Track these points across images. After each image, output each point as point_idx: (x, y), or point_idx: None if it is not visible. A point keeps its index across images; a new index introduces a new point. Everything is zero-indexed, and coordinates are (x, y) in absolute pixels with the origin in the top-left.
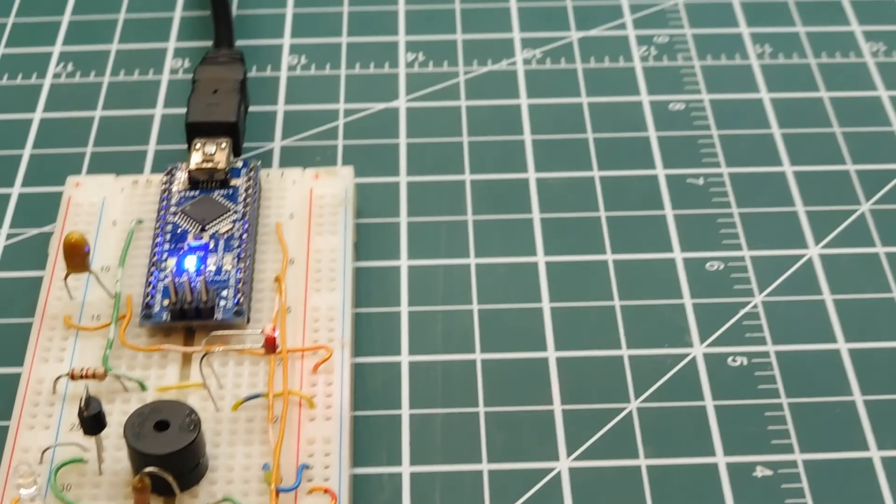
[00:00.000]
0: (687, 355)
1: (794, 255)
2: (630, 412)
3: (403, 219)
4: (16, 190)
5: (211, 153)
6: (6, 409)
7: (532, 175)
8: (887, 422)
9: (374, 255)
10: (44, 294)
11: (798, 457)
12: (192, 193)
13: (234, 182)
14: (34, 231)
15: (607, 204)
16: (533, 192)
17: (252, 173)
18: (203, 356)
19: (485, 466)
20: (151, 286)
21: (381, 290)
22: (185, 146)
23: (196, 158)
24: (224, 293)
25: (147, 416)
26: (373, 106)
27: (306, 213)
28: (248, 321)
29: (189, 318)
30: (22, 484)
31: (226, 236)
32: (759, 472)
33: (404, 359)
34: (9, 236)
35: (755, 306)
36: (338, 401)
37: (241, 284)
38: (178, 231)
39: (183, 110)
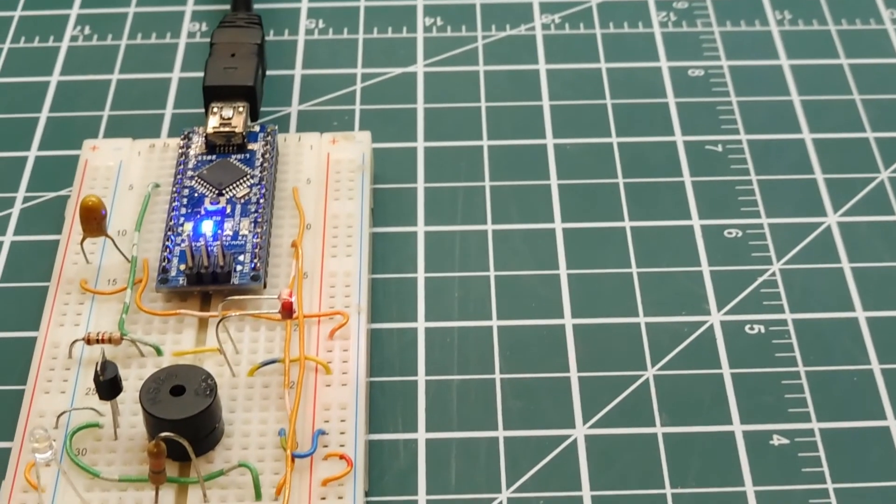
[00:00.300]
0: (704, 323)
1: (813, 223)
2: (647, 380)
3: (420, 184)
4: (32, 153)
5: (228, 117)
6: (22, 374)
7: (550, 141)
8: None
9: (390, 220)
10: (60, 258)
11: (815, 425)
12: (209, 157)
13: (251, 146)
14: (51, 195)
15: (625, 170)
16: (551, 158)
17: (269, 138)
18: (219, 321)
19: (501, 433)
20: (168, 250)
21: (397, 256)
22: (202, 110)
23: (213, 122)
24: (241, 258)
25: (163, 380)
26: (390, 71)
27: (323, 178)
28: (265, 286)
29: (205, 283)
30: (37, 448)
31: (243, 201)
32: (776, 440)
33: (420, 325)
34: (25, 200)
35: (773, 274)
36: (354, 367)
37: (257, 249)
38: (195, 195)
39: (200, 74)
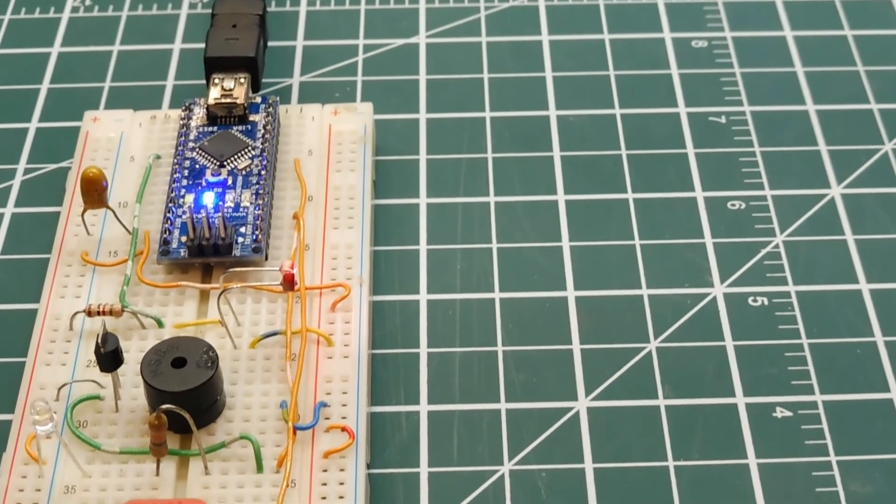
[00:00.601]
0: (707, 295)
1: (817, 195)
2: (649, 352)
3: (423, 156)
4: (33, 125)
5: (229, 88)
6: (23, 346)
7: (553, 112)
8: None
9: (392, 192)
10: (61, 230)
11: (818, 398)
12: (210, 129)
13: (252, 118)
14: (51, 166)
15: (628, 142)
16: (553, 129)
17: (271, 109)
18: (221, 293)
19: (503, 406)
20: (169, 222)
21: (399, 228)
22: (203, 81)
23: (214, 93)
24: (242, 230)
25: (164, 352)
26: (393, 42)
27: (325, 149)
28: (266, 258)
29: (207, 255)
30: (38, 420)
31: (244, 172)
32: (779, 412)
33: (423, 297)
34: (26, 171)
35: (776, 246)
36: (356, 339)
37: (259, 221)
38: (197, 167)
39: (202, 45)
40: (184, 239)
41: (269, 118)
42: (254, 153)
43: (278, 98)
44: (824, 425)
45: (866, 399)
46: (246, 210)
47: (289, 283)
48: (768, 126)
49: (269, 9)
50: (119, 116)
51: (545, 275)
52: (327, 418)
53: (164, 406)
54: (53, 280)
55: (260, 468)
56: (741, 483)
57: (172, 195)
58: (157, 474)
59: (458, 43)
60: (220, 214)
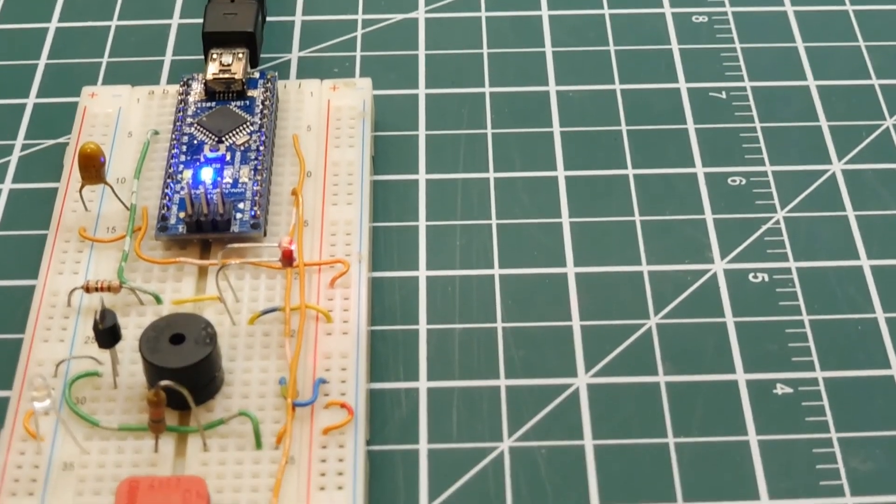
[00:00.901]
0: (707, 271)
1: (817, 171)
2: (649, 328)
3: (422, 132)
4: (31, 100)
5: (228, 64)
6: (21, 322)
7: (553, 88)
8: None
9: (392, 168)
10: (59, 206)
11: (819, 374)
12: (208, 104)
13: (250, 93)
14: (49, 142)
15: (629, 118)
16: (553, 105)
17: (269, 84)
18: (219, 269)
19: (502, 382)
20: (167, 198)
21: (398, 204)
22: (201, 56)
23: (213, 69)
24: (240, 205)
25: (162, 329)
26: (392, 16)
27: (324, 125)
28: (265, 234)
29: (205, 231)
30: (36, 397)
31: (242, 148)
32: (780, 389)
33: (422, 273)
34: (24, 147)
35: (777, 222)
36: (355, 315)
37: (257, 197)
38: (195, 142)
39: (200, 20)
40: (182, 215)
41: (268, 93)
42: (252, 129)
43: (277, 73)
44: (825, 402)
45: (867, 375)
46: (244, 186)
47: (287, 259)
48: (769, 101)
49: None
50: (117, 92)
51: (545, 251)
52: (326, 395)
53: (163, 382)
54: (51, 256)
55: (259, 445)
56: (741, 459)
57: (171, 171)
58: (156, 451)
59: (458, 18)
60: (218, 190)
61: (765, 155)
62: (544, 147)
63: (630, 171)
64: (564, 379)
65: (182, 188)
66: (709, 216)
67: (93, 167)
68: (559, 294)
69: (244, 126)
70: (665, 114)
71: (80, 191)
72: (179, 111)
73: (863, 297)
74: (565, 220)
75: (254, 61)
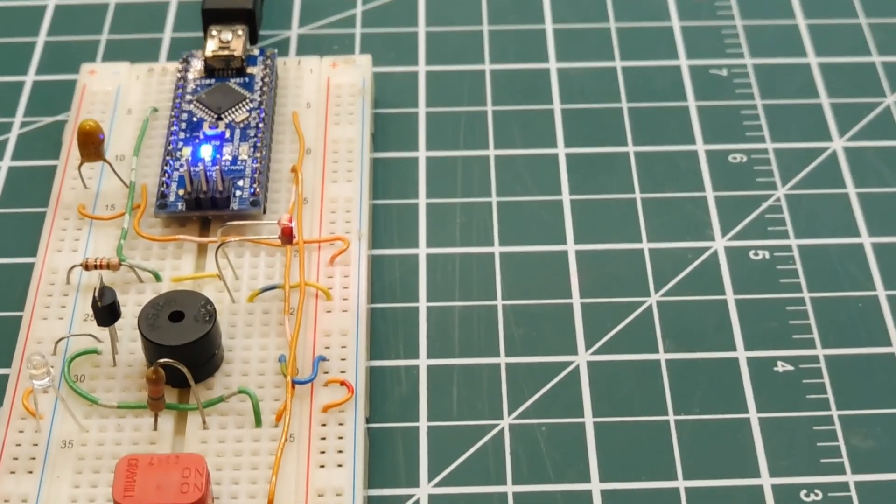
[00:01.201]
0: (708, 249)
1: (818, 148)
2: (650, 306)
3: (422, 109)
4: (30, 78)
5: (227, 41)
6: (20, 300)
7: (553, 65)
8: None
9: (391, 145)
10: (58, 183)
11: (820, 352)
12: (207, 81)
13: (250, 70)
14: (48, 119)
15: (629, 95)
16: (554, 82)
17: (269, 61)
18: (218, 246)
19: (503, 360)
20: (167, 175)
21: (398, 182)
22: (201, 34)
23: (212, 46)
24: (240, 183)
25: (161, 306)
26: None
27: (323, 102)
28: (265, 211)
29: (204, 208)
30: (35, 375)
31: (242, 125)
32: (781, 367)
33: (422, 251)
34: (23, 125)
35: (778, 199)
36: (355, 293)
37: (257, 174)
38: (194, 120)
39: None
40: (181, 192)
41: (267, 71)
42: (251, 106)
43: (276, 50)
44: (825, 379)
45: (868, 353)
46: (244, 163)
47: (287, 236)
48: (770, 79)
49: None
50: (116, 69)
51: (545, 229)
52: (326, 372)
53: (162, 360)
54: (50, 234)
55: (258, 422)
56: (742, 437)
57: (170, 148)
58: (155, 429)
59: None
60: (217, 167)
61: (766, 132)
62: (545, 124)
63: (631, 149)
64: (565, 356)
65: (181, 165)
66: (709, 194)
67: (92, 144)
68: (559, 272)
69: (243, 103)
70: (666, 91)
71: (80, 168)
72: (179, 88)
73: (863, 275)
74: (566, 197)
75: (253, 38)
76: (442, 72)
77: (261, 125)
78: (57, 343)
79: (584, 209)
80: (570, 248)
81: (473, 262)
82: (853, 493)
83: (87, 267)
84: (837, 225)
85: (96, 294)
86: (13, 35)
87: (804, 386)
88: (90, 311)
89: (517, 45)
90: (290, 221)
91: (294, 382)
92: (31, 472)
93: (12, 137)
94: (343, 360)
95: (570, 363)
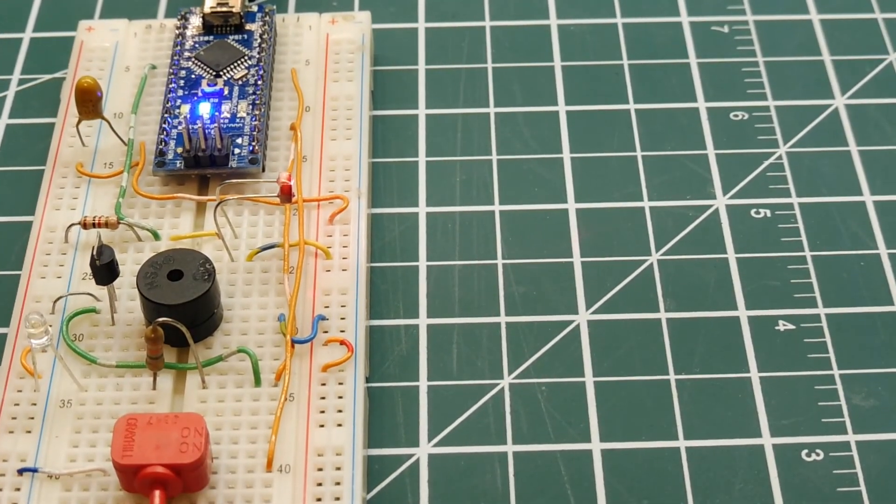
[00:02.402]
0: (709, 207)
1: (820, 105)
2: (651, 265)
3: (421, 66)
4: (27, 35)
5: None
6: (18, 258)
7: (553, 22)
8: None
9: (391, 103)
10: (55, 141)
11: (821, 311)
12: (206, 38)
13: (248, 27)
14: (46, 77)
15: (630, 52)
16: (554, 39)
17: (267, 18)
18: (217, 205)
19: (503, 319)
20: (165, 133)
21: (398, 140)
22: None
23: (210, 2)
24: (239, 140)
25: (160, 265)
26: None
27: (322, 59)
28: (263, 169)
29: (203, 166)
30: (33, 334)
31: (240, 82)
32: (782, 325)
33: (422, 210)
34: (20, 82)
35: (780, 157)
36: (354, 251)
37: (255, 132)
38: (192, 77)
39: None
40: (180, 150)
41: (266, 27)
42: (250, 63)
43: (275, 7)
44: (827, 338)
45: (869, 312)
46: (242, 121)
47: (286, 194)
48: (771, 35)
49: None
50: (114, 26)
51: (546, 187)
52: (326, 332)
53: (161, 319)
54: (48, 192)
55: (258, 382)
56: (743, 396)
57: (168, 106)
58: (154, 388)
59: None
60: (216, 125)
61: (767, 90)
62: (545, 81)
63: (631, 106)
64: (565, 315)
65: (180, 123)
66: (711, 151)
67: (90, 102)
68: (560, 230)
69: (242, 60)
70: (667, 48)
71: (77, 126)
72: (177, 45)
73: (865, 233)
74: (566, 155)
75: None
76: (442, 28)
77: (259, 82)
78: (55, 302)
79: (584, 167)
80: (571, 206)
81: (473, 220)
82: (854, 453)
83: (85, 225)
84: (839, 183)
85: (94, 252)
86: None
87: (805, 345)
88: (88, 270)
89: (517, 1)
90: (290, 179)
91: (293, 342)
92: (29, 432)
93: (10, 95)
94: (343, 319)
95: (570, 322)
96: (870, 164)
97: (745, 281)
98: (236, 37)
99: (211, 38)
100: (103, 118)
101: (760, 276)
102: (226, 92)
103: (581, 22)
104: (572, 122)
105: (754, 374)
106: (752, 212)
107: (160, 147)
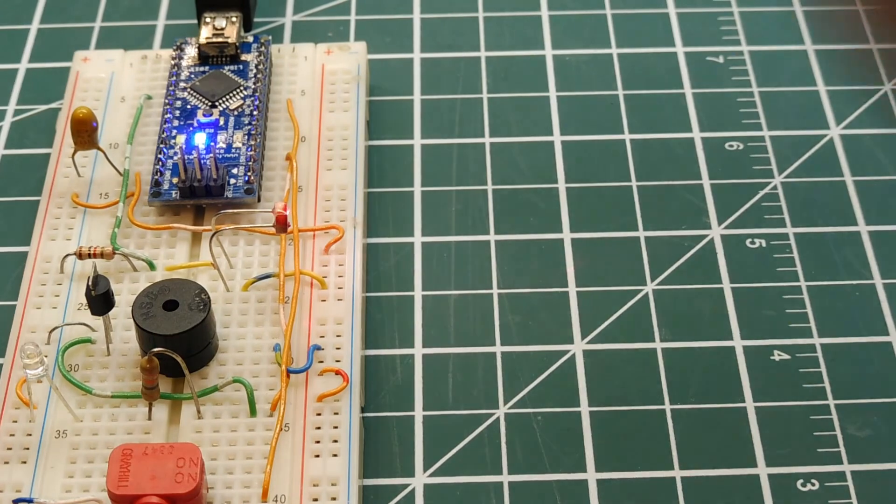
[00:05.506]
0: (705, 237)
1: (815, 136)
2: (646, 294)
3: (417, 96)
4: (23, 65)
5: (221, 27)
6: (13, 289)
7: (549, 52)
8: None
9: (387, 133)
10: (51, 171)
11: (816, 340)
12: (201, 69)
13: (244, 57)
14: (42, 107)
15: (625, 82)
16: (550, 69)
17: (263, 48)
18: (213, 235)
19: (498, 349)
20: (160, 163)
21: (394, 170)
22: (195, 20)
23: (206, 33)
24: (234, 171)
25: (156, 295)
26: None
27: (318, 89)
28: (259, 200)
29: (199, 196)
30: (28, 364)
31: (236, 113)
32: (777, 355)
33: (417, 239)
34: (16, 112)
35: (775, 187)
36: (350, 281)
37: (251, 162)
38: (188, 107)
39: None
40: (175, 180)
41: (262, 58)
42: (246, 93)
43: (270, 37)
44: (822, 368)
45: (865, 342)
46: (238, 151)
47: (282, 224)
48: (766, 66)
49: None
50: (110, 56)
51: (541, 216)
52: (321, 361)
53: (156, 349)
54: (44, 222)
55: (253, 412)
56: (738, 427)
57: (164, 136)
58: (150, 418)
59: None
60: (211, 155)
61: (762, 120)
62: (541, 112)
63: (627, 136)
64: (561, 345)
65: (175, 153)
66: (706, 181)
67: (85, 132)
68: (555, 259)
69: (238, 90)
70: (662, 78)
71: (73, 156)
72: (172, 76)
73: (860, 263)
74: (561, 185)
75: (247, 25)
76: (437, 59)
77: (255, 112)
78: (51, 332)
79: (579, 197)
80: (566, 235)
81: (469, 250)
82: (850, 483)
83: (80, 255)
84: (834, 213)
85: (90, 283)
86: (6, 22)
87: (801, 375)
88: (84, 300)
89: (513, 31)
90: (285, 209)
91: (289, 371)
92: (24, 462)
93: (5, 125)
94: (338, 349)
95: (565, 352)
96: (864, 194)
97: (741, 311)
98: (232, 67)
99: (207, 68)
100: (99, 148)
101: (756, 306)
102: (221, 122)
103: (576, 52)
104: (567, 152)
105: (749, 404)
106: (748, 241)
107: (156, 177)
